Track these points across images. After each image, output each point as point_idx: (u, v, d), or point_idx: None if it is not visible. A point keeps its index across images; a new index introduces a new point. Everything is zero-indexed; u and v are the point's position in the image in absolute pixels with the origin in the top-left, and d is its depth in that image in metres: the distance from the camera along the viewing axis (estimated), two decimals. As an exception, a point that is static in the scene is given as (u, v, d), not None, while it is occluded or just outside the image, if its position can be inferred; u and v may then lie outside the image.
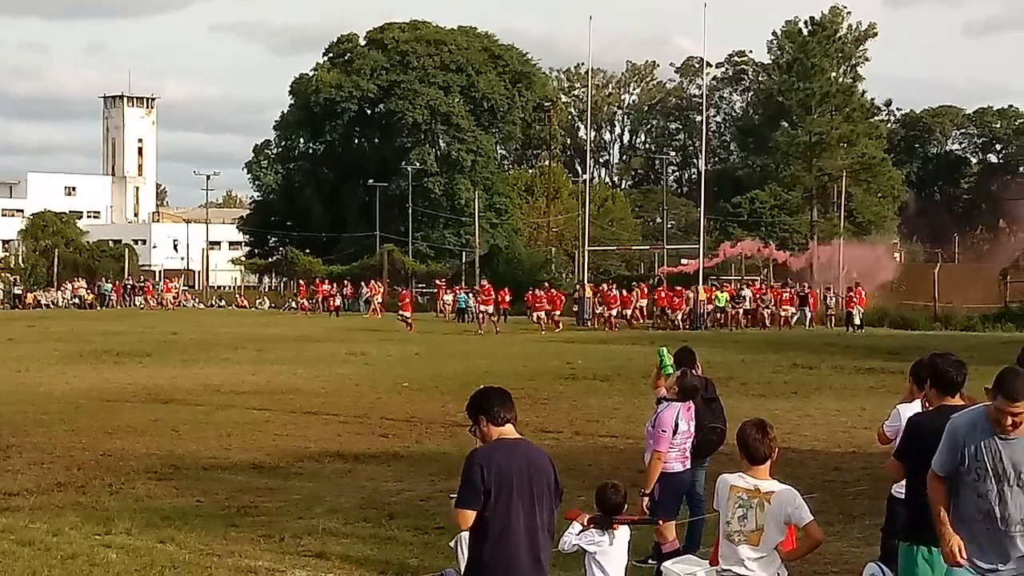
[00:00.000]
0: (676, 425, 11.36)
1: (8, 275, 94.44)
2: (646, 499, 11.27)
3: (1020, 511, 7.33)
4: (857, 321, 53.82)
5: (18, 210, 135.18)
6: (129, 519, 13.88)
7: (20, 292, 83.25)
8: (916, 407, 9.66)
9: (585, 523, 9.13)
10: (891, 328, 54.45)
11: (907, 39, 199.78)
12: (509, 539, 7.04)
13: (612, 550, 9.13)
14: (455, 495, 7.28)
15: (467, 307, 63.05)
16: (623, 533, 9.27)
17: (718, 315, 57.01)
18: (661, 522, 11.28)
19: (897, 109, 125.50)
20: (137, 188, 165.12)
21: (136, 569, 11.73)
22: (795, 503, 7.86)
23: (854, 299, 53.69)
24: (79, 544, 12.68)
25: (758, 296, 58.65)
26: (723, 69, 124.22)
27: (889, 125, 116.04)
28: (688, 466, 11.56)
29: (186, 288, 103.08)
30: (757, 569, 7.90)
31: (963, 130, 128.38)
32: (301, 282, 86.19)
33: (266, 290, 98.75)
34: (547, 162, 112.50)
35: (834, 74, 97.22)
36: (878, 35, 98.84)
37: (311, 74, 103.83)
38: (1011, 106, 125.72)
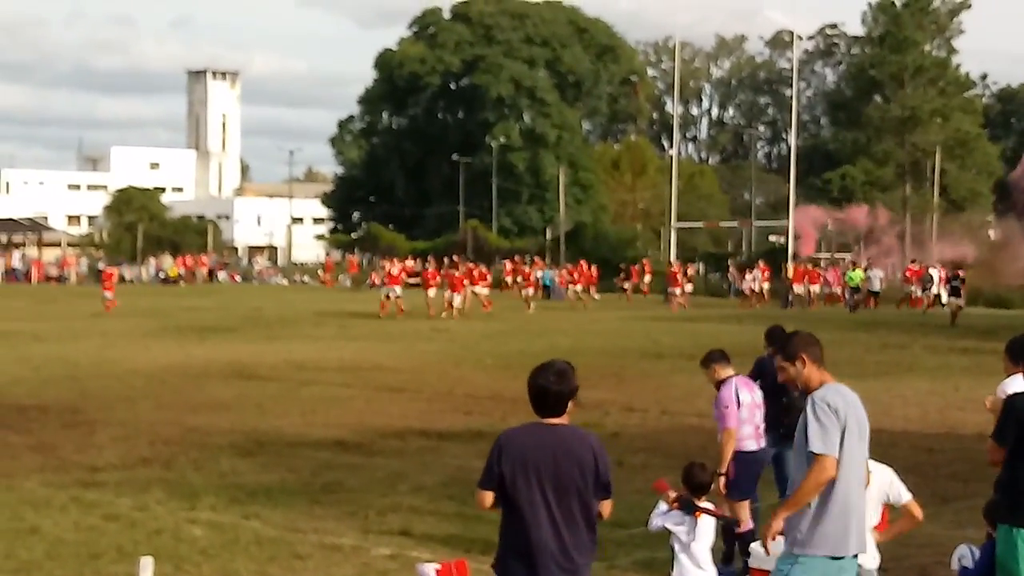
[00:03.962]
0: (738, 398, 11.16)
1: (93, 250, 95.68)
2: (722, 479, 11.08)
3: None
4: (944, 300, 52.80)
5: (102, 185, 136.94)
6: (214, 495, 13.91)
7: (104, 267, 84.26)
8: (1017, 384, 9.47)
9: (671, 503, 8.94)
10: (985, 307, 53.48)
11: (1003, 11, 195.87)
12: (528, 527, 6.72)
13: (696, 533, 8.94)
14: None
15: (552, 284, 62.95)
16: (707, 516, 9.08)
17: (855, 296, 54.02)
18: (741, 525, 11.07)
19: (993, 83, 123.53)
20: (221, 163, 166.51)
21: (221, 545, 11.73)
22: (894, 481, 7.86)
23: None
24: (164, 520, 12.73)
25: (914, 277, 55.71)
26: (814, 42, 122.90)
27: (984, 99, 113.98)
28: (763, 444, 11.28)
29: (269, 264, 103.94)
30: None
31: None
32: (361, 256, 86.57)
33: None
34: (633, 137, 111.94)
35: (928, 47, 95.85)
36: (972, 7, 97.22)
37: (395, 48, 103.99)
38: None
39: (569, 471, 6.75)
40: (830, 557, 6.98)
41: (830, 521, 6.95)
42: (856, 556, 7.12)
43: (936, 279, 52.65)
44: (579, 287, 56.62)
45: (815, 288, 57.27)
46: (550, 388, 6.87)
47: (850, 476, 6.97)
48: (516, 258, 69.23)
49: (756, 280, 57.73)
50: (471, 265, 54.01)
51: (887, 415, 20.14)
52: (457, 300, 45.46)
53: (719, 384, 11.37)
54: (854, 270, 55.82)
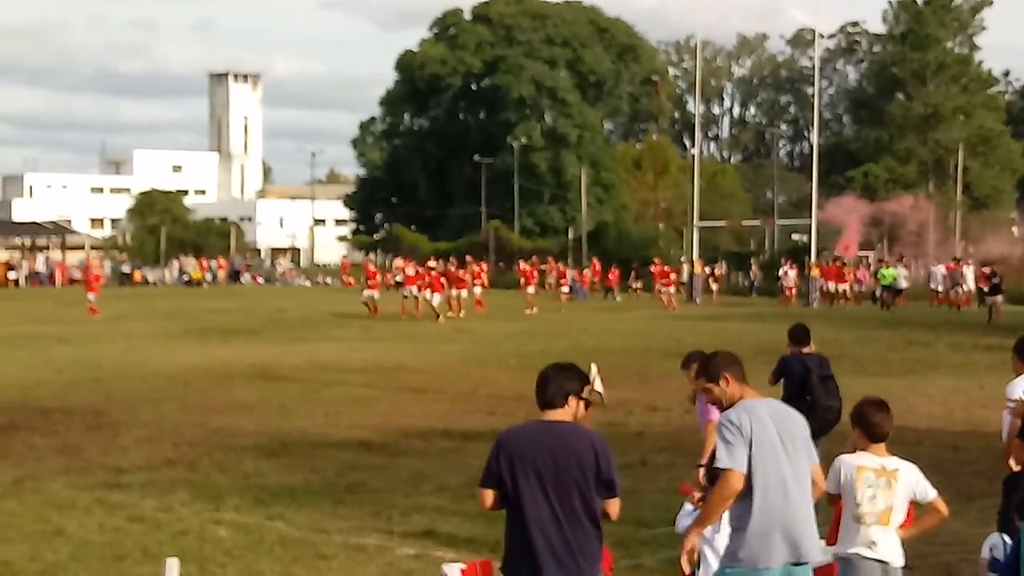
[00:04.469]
0: None
1: (116, 253, 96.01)
2: (700, 471, 11.09)
3: None
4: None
5: (125, 188, 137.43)
6: (238, 496, 13.95)
7: (128, 270, 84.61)
8: (1018, 383, 9.60)
9: (696, 502, 8.94)
10: (1010, 304, 53.11)
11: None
12: (530, 525, 6.73)
13: (720, 527, 8.94)
14: None
15: (574, 284, 63.08)
16: (732, 514, 9.09)
17: (884, 294, 53.11)
18: None
19: (1015, 80, 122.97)
20: (243, 165, 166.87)
21: (246, 546, 11.77)
22: (920, 478, 7.90)
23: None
24: (189, 521, 12.78)
25: (950, 274, 54.26)
26: (836, 40, 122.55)
27: (1007, 96, 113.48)
28: None
29: (292, 265, 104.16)
30: (887, 549, 7.82)
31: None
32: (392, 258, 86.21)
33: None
34: (655, 136, 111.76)
35: (950, 44, 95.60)
36: (994, 4, 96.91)
37: (416, 50, 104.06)
38: None
39: (568, 467, 6.73)
40: (760, 568, 7.00)
41: (751, 535, 6.99)
42: (805, 563, 7.09)
43: (971, 277, 52.33)
44: (565, 288, 56.55)
45: (844, 287, 56.51)
46: (551, 376, 6.94)
47: (768, 489, 6.98)
48: (534, 258, 69.27)
49: (791, 278, 57.27)
50: (453, 267, 52.84)
51: (912, 413, 20.10)
52: (437, 299, 44.37)
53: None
54: (887, 268, 55.27)
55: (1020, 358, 10.00)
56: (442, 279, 45.47)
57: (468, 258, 60.23)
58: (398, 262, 66.29)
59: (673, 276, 54.73)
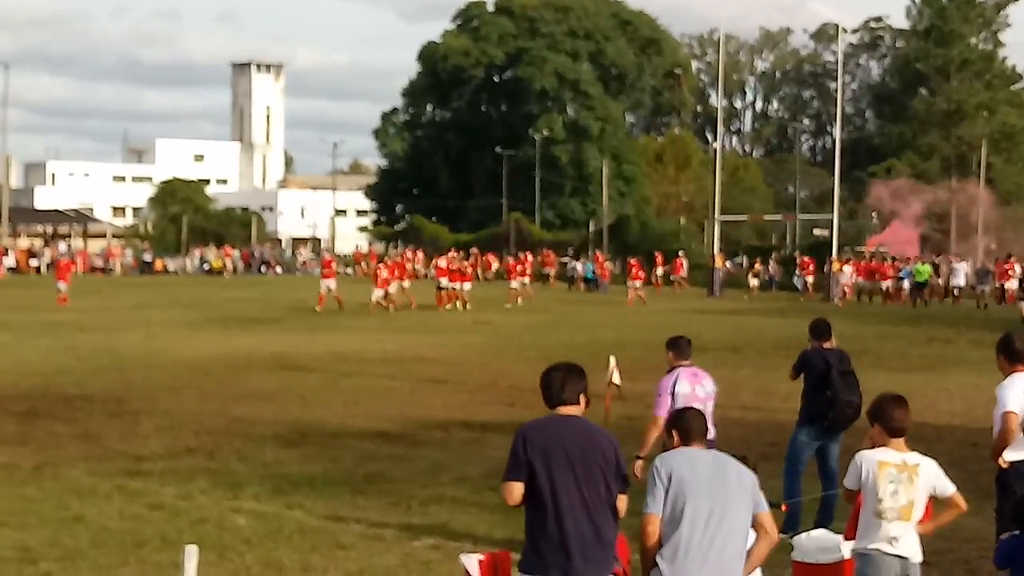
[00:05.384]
0: (674, 388, 11.16)
1: (138, 242, 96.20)
2: (638, 463, 11.14)
3: None
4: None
5: (147, 177, 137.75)
6: (257, 484, 13.99)
7: (149, 259, 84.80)
8: (1018, 384, 9.70)
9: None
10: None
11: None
12: (563, 512, 6.83)
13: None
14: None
15: (595, 277, 62.96)
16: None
17: (921, 291, 52.41)
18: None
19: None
20: (264, 155, 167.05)
21: (265, 534, 11.80)
22: (940, 474, 7.88)
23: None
24: (208, 509, 12.82)
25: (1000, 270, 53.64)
26: (859, 35, 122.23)
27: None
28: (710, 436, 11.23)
29: (313, 256, 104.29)
30: (908, 545, 7.82)
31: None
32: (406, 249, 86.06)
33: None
34: (677, 130, 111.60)
35: (974, 40, 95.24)
36: (1019, 0, 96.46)
37: (439, 41, 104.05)
38: None
39: (594, 457, 6.92)
40: None
41: (674, 558, 6.95)
42: None
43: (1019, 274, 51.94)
44: (524, 280, 55.32)
45: (887, 284, 55.69)
46: (566, 377, 7.12)
47: (689, 519, 6.93)
48: (546, 251, 69.31)
49: (847, 275, 56.23)
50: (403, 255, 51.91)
51: (932, 409, 20.07)
52: (378, 294, 43.87)
53: (669, 371, 11.50)
54: (921, 264, 54.95)
55: (1008, 358, 10.03)
56: (378, 274, 45.26)
57: (473, 251, 60.04)
58: (409, 254, 66.11)
59: (643, 273, 54.43)
